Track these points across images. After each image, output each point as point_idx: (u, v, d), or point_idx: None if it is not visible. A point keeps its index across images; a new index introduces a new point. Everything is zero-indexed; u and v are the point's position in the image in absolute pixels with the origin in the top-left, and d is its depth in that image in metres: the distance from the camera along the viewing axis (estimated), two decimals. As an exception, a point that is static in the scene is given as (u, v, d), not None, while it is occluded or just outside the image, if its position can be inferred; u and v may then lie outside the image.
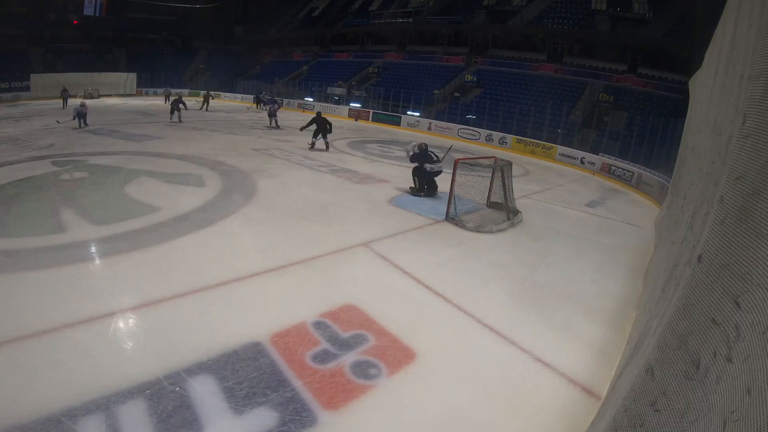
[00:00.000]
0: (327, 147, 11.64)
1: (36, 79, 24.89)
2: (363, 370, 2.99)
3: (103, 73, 29.34)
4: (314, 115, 11.75)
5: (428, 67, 26.55)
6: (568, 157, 15.34)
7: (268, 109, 17.98)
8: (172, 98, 18.06)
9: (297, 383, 2.78)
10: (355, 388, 2.82)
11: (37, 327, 3.09)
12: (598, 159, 14.25)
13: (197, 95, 32.67)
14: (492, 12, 25.40)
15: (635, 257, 5.90)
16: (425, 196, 8.00)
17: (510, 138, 17.71)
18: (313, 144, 11.65)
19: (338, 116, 23.74)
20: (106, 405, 2.44)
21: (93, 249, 4.61)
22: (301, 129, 11.76)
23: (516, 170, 8.31)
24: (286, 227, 5.74)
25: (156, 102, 25.21)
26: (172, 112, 16.34)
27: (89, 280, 3.95)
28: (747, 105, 1.45)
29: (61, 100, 20.66)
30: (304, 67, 33.08)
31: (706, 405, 1.11)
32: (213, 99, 24.38)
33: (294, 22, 38.73)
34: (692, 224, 2.23)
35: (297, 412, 2.55)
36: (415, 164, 8.09)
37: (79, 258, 4.34)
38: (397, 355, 3.19)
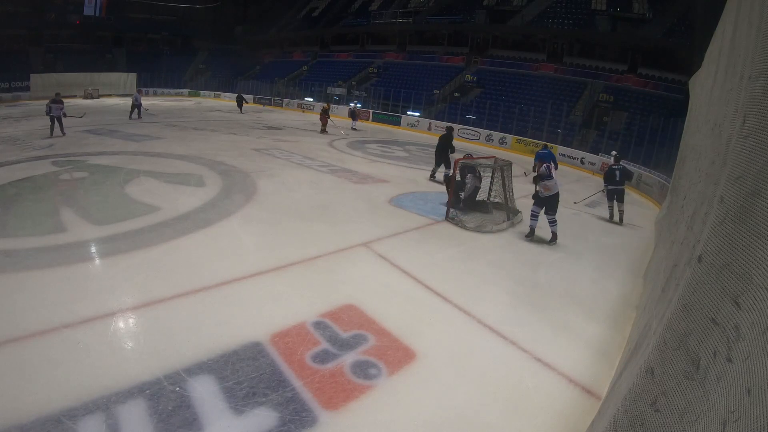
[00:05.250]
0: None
1: (36, 79, 24.86)
2: (363, 370, 2.99)
3: (103, 73, 29.31)
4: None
5: (428, 67, 26.54)
6: (568, 157, 15.32)
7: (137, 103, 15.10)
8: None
9: (297, 383, 2.78)
10: (355, 388, 2.81)
11: (37, 327, 3.09)
12: (598, 159, 14.24)
13: (197, 95, 32.73)
14: (492, 12, 25.39)
15: (635, 257, 5.90)
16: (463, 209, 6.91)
17: (510, 138, 17.70)
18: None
19: (338, 116, 23.72)
20: (106, 405, 2.44)
21: (93, 249, 4.61)
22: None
23: (516, 170, 8.31)
24: (286, 227, 5.73)
25: (156, 102, 25.11)
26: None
27: (89, 280, 3.95)
28: (747, 105, 1.45)
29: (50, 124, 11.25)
30: (304, 67, 33.08)
31: (706, 405, 1.11)
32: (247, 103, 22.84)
33: (294, 22, 38.71)
34: (692, 224, 2.23)
35: (297, 412, 2.54)
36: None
37: (79, 258, 4.34)
38: (397, 355, 3.19)
